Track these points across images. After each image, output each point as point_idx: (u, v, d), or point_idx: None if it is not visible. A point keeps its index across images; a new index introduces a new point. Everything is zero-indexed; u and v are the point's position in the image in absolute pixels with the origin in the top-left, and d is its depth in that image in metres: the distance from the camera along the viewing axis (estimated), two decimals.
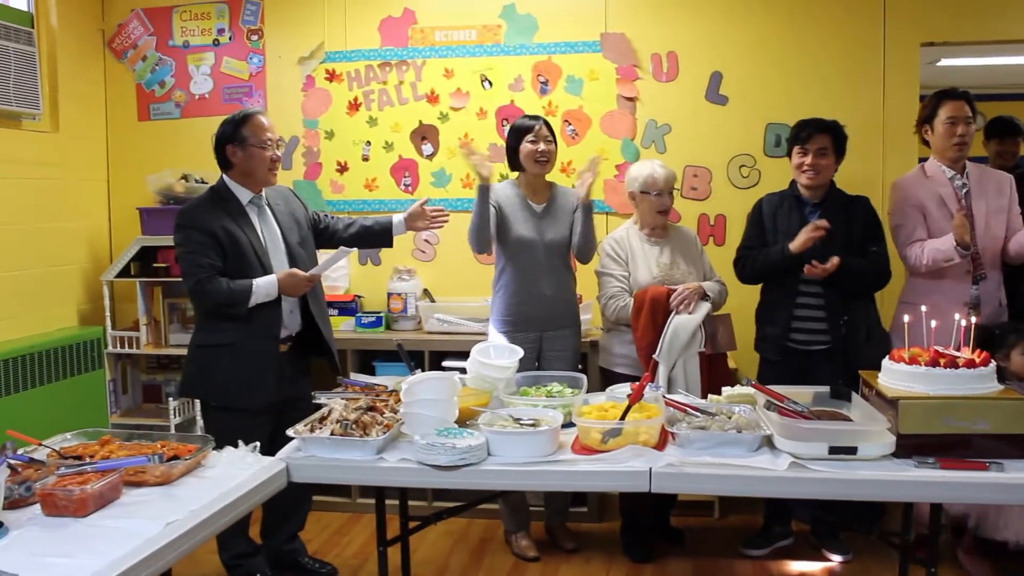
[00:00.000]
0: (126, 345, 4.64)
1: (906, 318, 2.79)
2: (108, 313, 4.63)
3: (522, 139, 3.70)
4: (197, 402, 4.46)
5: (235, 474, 2.41)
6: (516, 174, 3.83)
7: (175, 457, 2.39)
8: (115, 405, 4.73)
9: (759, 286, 3.78)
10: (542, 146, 3.68)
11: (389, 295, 4.54)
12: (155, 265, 4.57)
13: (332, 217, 3.74)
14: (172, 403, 4.53)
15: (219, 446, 2.63)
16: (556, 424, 2.57)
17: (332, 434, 2.56)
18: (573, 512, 4.18)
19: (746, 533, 3.95)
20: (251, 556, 3.52)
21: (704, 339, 3.49)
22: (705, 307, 3.53)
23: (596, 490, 3.71)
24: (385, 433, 2.58)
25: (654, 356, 3.45)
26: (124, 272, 4.60)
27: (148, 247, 4.56)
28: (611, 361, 3.76)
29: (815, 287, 3.55)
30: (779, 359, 3.65)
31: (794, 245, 3.48)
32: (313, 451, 2.57)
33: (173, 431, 4.51)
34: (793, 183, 3.71)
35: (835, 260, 3.41)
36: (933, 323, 2.71)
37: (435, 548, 3.98)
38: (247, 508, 2.34)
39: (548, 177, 3.82)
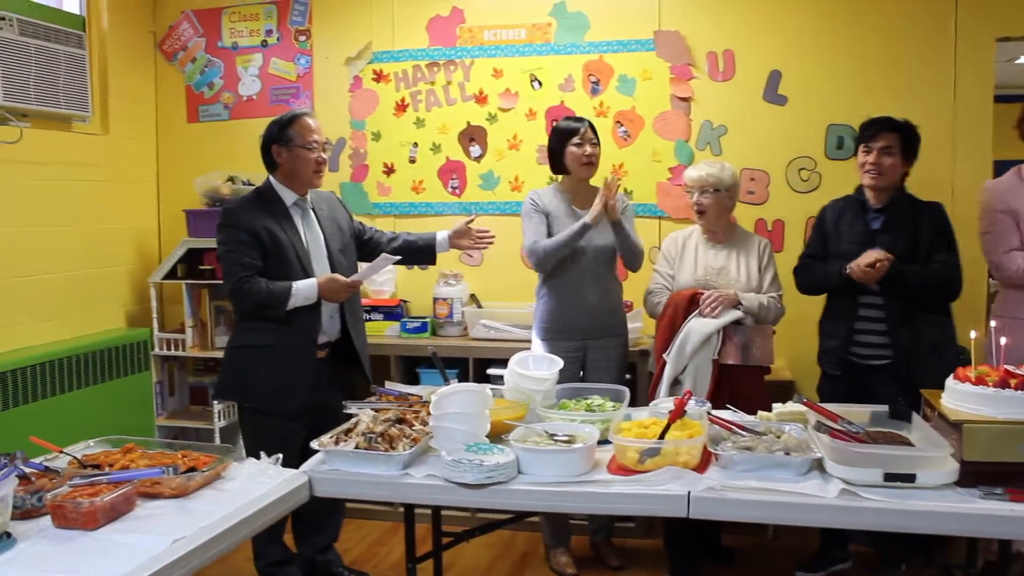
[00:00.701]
0: (172, 347, 4.63)
1: (973, 334, 2.57)
2: (155, 315, 4.63)
3: (567, 142, 3.57)
4: None
5: (255, 487, 2.34)
6: (560, 177, 3.70)
7: (192, 469, 2.32)
8: (161, 407, 4.72)
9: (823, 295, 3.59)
10: (588, 149, 3.55)
11: (435, 300, 4.44)
12: (201, 267, 4.55)
13: (376, 230, 3.67)
14: (216, 406, 4.50)
15: (253, 450, 2.57)
16: (591, 442, 2.43)
17: (356, 447, 2.46)
18: (619, 527, 4.01)
19: (801, 555, 3.74)
20: (286, 565, 3.46)
21: (719, 347, 3.35)
22: (731, 316, 3.37)
23: (630, 514, 3.55)
24: (412, 447, 2.47)
25: (663, 355, 3.35)
26: (171, 274, 4.59)
27: (194, 249, 4.54)
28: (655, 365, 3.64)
29: (877, 298, 3.35)
30: (839, 373, 3.47)
31: (853, 272, 3.29)
32: (337, 464, 2.48)
33: (217, 434, 4.50)
34: (860, 188, 3.50)
35: (874, 255, 3.21)
36: (1003, 340, 2.49)
37: (475, 560, 3.87)
38: (264, 523, 2.25)
39: (592, 181, 3.67)
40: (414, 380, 4.24)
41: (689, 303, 3.44)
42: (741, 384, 3.37)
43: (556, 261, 3.56)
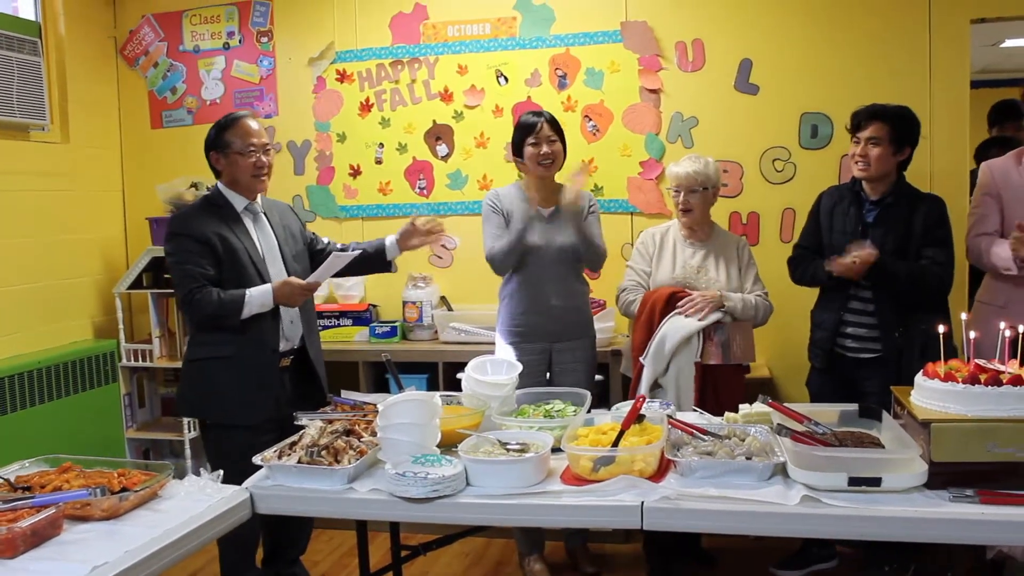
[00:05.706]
0: (140, 358, 4.53)
1: (941, 328, 2.46)
2: (121, 326, 4.53)
3: (525, 139, 3.46)
4: None
5: (192, 506, 2.23)
6: (522, 175, 3.60)
7: (125, 489, 2.21)
8: (131, 419, 4.63)
9: None
10: (544, 148, 3.42)
11: (404, 303, 4.33)
12: (166, 276, 4.45)
13: (329, 241, 3.54)
14: (186, 418, 4.40)
15: (217, 467, 2.48)
16: (543, 451, 2.32)
17: (299, 462, 2.36)
18: (596, 532, 3.90)
19: (783, 555, 3.64)
20: None
21: (701, 348, 3.25)
22: (714, 317, 3.27)
23: (582, 526, 3.45)
24: (358, 460, 2.37)
25: (640, 359, 3.24)
26: (137, 283, 4.49)
27: (159, 258, 4.43)
28: (630, 367, 3.53)
29: (867, 291, 3.24)
30: (825, 367, 3.37)
31: (836, 270, 3.18)
32: (280, 479, 2.38)
33: (187, 446, 4.41)
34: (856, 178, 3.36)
35: (853, 253, 3.10)
36: (972, 334, 2.38)
37: (447, 570, 3.77)
38: (199, 544, 2.14)
39: (557, 179, 3.56)
40: (383, 387, 4.14)
41: (667, 302, 3.33)
42: (721, 384, 3.28)
43: (514, 260, 3.46)
